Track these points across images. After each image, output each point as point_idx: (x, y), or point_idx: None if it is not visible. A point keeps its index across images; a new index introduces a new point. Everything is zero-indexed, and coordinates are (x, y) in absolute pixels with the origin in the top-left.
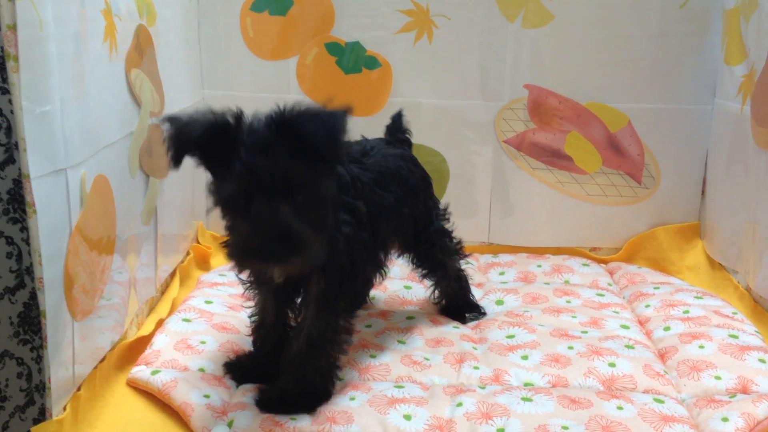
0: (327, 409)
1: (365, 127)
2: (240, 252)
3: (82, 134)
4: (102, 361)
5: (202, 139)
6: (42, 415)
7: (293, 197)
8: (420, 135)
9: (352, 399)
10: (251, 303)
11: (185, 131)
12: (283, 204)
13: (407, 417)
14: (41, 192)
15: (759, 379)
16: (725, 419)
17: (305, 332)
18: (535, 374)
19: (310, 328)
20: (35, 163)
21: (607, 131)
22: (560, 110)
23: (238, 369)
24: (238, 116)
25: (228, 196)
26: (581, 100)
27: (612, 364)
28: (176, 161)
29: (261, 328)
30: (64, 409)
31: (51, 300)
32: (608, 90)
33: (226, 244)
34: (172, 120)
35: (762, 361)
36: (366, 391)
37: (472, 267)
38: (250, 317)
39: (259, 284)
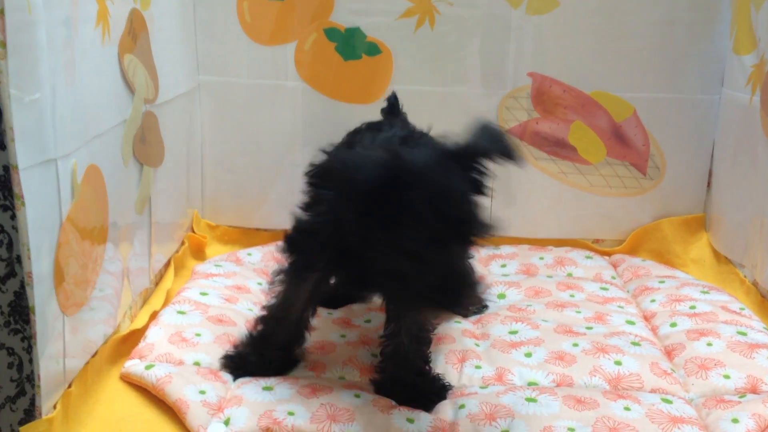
0: (329, 406)
1: (364, 115)
2: (419, 298)
3: (73, 123)
4: (94, 355)
5: (375, 185)
6: (33, 406)
7: (466, 239)
8: (420, 124)
9: (357, 396)
10: (272, 293)
11: (358, 176)
12: (458, 247)
13: (410, 420)
14: (30, 183)
15: None
16: (735, 420)
17: (405, 330)
18: (539, 373)
19: (409, 326)
20: (24, 153)
21: (611, 121)
22: (564, 99)
23: (239, 362)
24: (400, 155)
25: (404, 241)
26: (586, 89)
27: (618, 362)
28: (346, 208)
29: (281, 322)
30: (55, 406)
31: (40, 295)
32: (613, 79)
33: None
34: (341, 162)
35: None
36: (370, 390)
37: (472, 259)
38: (268, 307)
39: (299, 279)
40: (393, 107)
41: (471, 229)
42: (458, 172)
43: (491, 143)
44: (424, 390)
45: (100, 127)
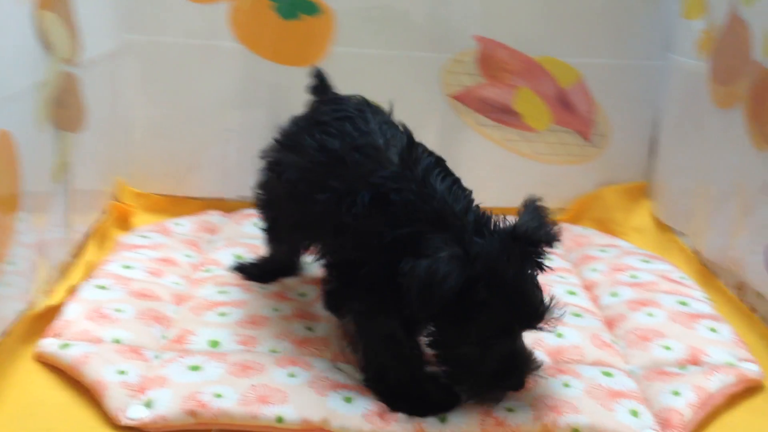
0: (260, 386)
1: (304, 79)
2: (482, 384)
3: None
4: (6, 334)
5: (455, 291)
6: None
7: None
8: (362, 88)
9: (291, 375)
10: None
11: (441, 284)
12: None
13: (348, 400)
14: None
15: (710, 349)
16: (676, 393)
17: None
18: None
19: None
20: None
21: (558, 87)
22: (510, 64)
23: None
24: (473, 254)
25: (474, 333)
26: (532, 54)
27: (559, 335)
28: (430, 311)
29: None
30: None
31: None
32: (561, 43)
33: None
34: (425, 270)
35: (712, 330)
36: (306, 367)
37: None
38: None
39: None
40: (323, 82)
41: (540, 317)
42: (525, 258)
43: (540, 227)
44: None
45: (11, 88)
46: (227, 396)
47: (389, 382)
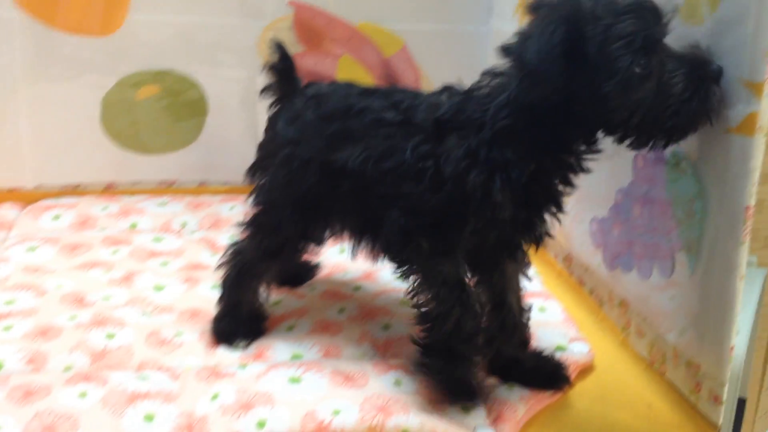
0: (46, 413)
1: (101, 49)
2: (702, 78)
3: None
4: None
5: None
6: None
7: None
8: (168, 60)
9: (83, 396)
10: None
11: (550, 38)
12: None
13: (149, 417)
14: None
15: (540, 332)
16: (510, 387)
17: (512, 299)
18: (304, 344)
19: (515, 293)
20: None
21: (380, 55)
22: (329, 32)
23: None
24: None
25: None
26: (353, 21)
27: (386, 327)
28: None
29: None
30: None
31: None
32: (381, 9)
33: None
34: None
35: (542, 309)
36: (101, 384)
37: None
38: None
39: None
40: (286, 62)
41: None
42: None
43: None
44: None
45: None
46: (6, 428)
47: (446, 332)
